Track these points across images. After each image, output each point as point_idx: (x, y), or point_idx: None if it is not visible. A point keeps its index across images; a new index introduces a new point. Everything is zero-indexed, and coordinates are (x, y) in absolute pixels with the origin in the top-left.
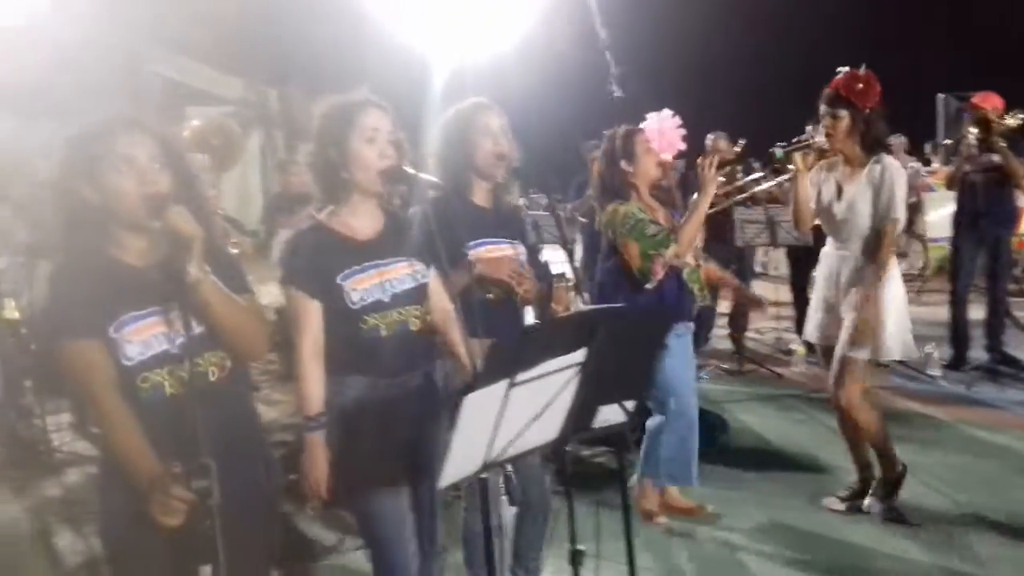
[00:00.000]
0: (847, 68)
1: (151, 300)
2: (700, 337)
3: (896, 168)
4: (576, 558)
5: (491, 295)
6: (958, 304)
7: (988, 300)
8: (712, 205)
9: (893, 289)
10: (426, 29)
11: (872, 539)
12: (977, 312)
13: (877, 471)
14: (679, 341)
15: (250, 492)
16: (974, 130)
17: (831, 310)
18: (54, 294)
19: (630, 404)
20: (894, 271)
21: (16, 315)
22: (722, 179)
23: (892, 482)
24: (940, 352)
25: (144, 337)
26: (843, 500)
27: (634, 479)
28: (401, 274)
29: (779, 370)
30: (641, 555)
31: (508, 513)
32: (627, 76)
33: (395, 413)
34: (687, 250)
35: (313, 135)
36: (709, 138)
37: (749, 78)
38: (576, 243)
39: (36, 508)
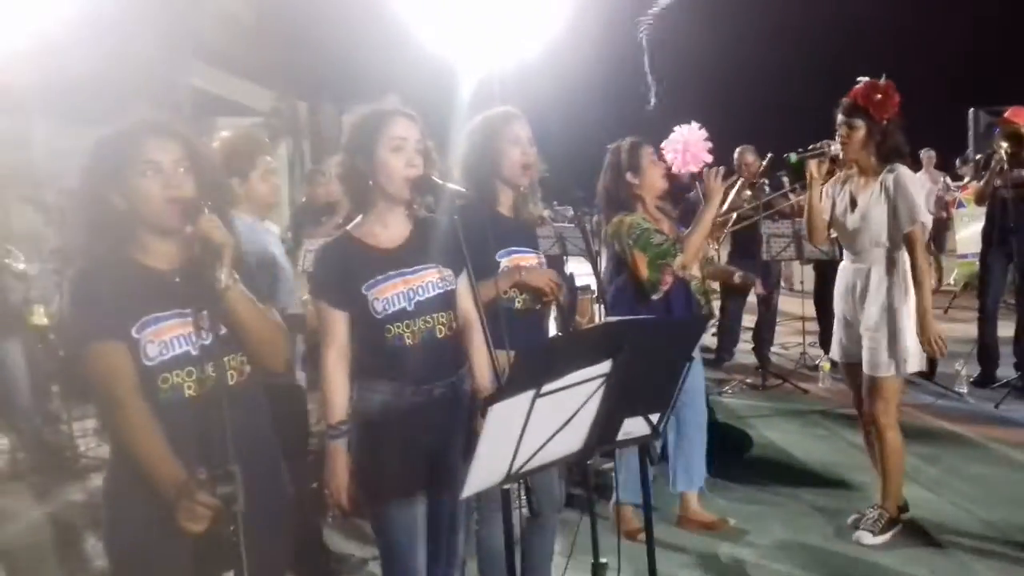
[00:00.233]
0: (867, 78)
1: (174, 302)
2: (724, 352)
3: (910, 175)
4: (598, 572)
5: (519, 304)
6: (987, 321)
7: (1017, 317)
8: (739, 220)
9: (911, 301)
10: (455, 38)
11: (898, 560)
12: (1006, 329)
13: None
14: None
15: (267, 498)
16: (1005, 145)
17: (849, 326)
18: (77, 297)
19: (655, 417)
20: (912, 283)
21: (45, 321)
22: (748, 193)
23: (891, 519)
24: (968, 369)
25: (165, 338)
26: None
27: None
28: (427, 281)
29: (804, 385)
30: (662, 569)
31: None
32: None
33: (419, 421)
34: (693, 260)
35: (342, 144)
36: (736, 151)
37: (778, 91)
38: (600, 255)
39: (61, 513)
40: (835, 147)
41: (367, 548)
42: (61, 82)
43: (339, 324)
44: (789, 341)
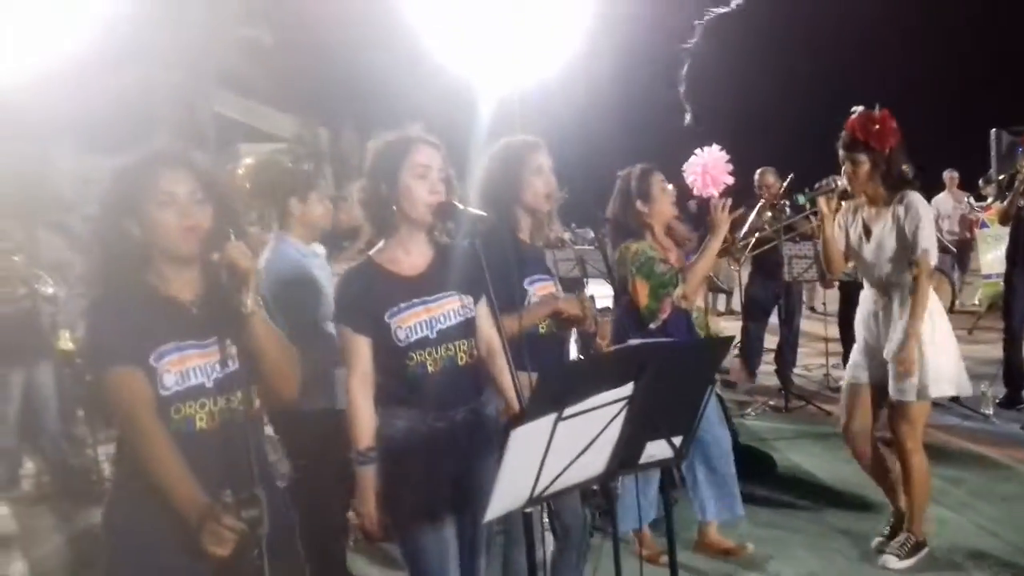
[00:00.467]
0: (861, 108)
1: (192, 333)
2: (746, 374)
3: (921, 202)
4: None
5: (543, 329)
6: (1012, 342)
7: None
8: (761, 243)
9: (935, 325)
10: (475, 59)
11: None
12: None
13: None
14: None
15: (277, 523)
16: None
17: (869, 352)
18: (94, 323)
19: (677, 440)
20: (935, 306)
21: (71, 346)
22: (769, 215)
23: (917, 543)
24: (994, 391)
25: (182, 368)
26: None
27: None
28: (448, 309)
29: (828, 407)
30: None
31: (548, 548)
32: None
33: (442, 447)
34: (694, 292)
35: (366, 170)
36: (757, 173)
37: (800, 113)
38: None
39: (85, 536)
40: (842, 182)
41: (389, 572)
42: (86, 110)
43: (363, 349)
44: (812, 363)
